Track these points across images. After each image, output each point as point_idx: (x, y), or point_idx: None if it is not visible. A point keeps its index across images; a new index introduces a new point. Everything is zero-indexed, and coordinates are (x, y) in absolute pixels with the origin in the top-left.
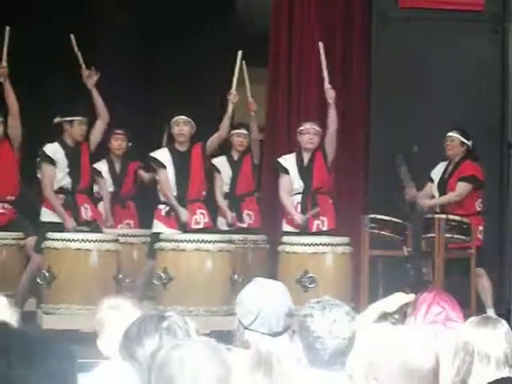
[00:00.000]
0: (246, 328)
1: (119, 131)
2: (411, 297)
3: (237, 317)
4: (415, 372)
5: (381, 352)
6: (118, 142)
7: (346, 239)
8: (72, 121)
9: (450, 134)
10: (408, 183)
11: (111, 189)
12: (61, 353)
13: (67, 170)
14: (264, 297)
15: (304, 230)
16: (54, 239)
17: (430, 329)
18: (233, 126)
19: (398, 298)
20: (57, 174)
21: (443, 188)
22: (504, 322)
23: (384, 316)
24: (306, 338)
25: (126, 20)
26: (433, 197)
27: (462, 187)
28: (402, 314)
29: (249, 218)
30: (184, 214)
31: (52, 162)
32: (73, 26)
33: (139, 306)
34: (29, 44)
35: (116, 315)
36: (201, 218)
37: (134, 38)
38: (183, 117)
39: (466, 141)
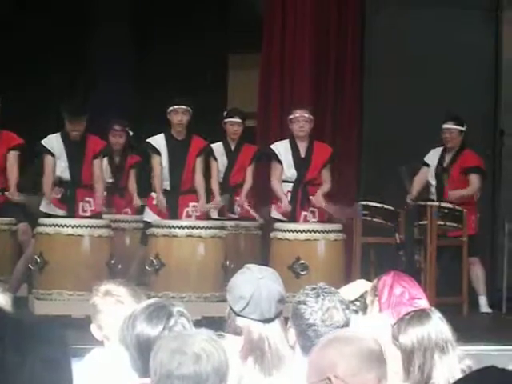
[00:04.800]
0: (237, 314)
1: (117, 128)
2: (370, 284)
3: (228, 303)
4: (373, 354)
5: (333, 349)
6: (116, 139)
7: (338, 226)
8: (69, 119)
9: (447, 126)
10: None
11: (110, 180)
12: (54, 339)
13: (67, 163)
14: (255, 283)
15: (291, 220)
16: (45, 225)
17: (397, 312)
18: (226, 114)
19: (359, 286)
20: (56, 166)
21: (442, 177)
22: (433, 308)
23: None
24: (299, 325)
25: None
26: (428, 183)
27: (476, 180)
28: (363, 301)
29: (240, 208)
30: (162, 204)
31: (48, 152)
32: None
33: (134, 292)
34: (28, 38)
35: (110, 301)
36: (193, 211)
37: (131, 20)
38: (182, 106)
39: (463, 129)
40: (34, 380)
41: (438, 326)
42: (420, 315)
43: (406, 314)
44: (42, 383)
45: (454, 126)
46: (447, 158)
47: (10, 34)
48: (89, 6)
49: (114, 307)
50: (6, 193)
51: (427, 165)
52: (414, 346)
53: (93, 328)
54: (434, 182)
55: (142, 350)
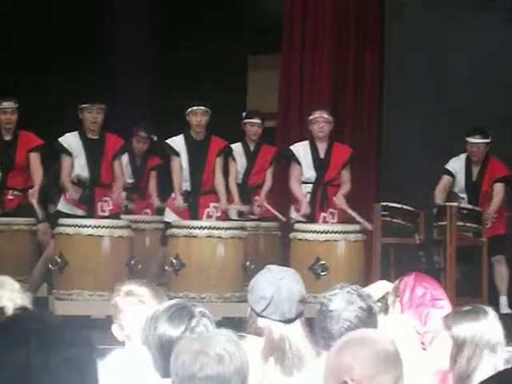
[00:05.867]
0: (258, 315)
1: (143, 135)
2: (392, 285)
3: (249, 304)
4: (389, 355)
5: (349, 352)
6: (140, 145)
7: (357, 227)
8: (87, 108)
9: (474, 140)
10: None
11: (131, 180)
12: (79, 340)
13: (85, 162)
14: (276, 284)
15: (311, 220)
16: (66, 225)
17: (419, 313)
18: (246, 115)
19: (380, 287)
20: (74, 165)
21: (476, 190)
22: (488, 307)
23: None
24: (322, 324)
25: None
26: (454, 193)
27: (502, 189)
28: (385, 302)
29: (260, 208)
30: (179, 203)
31: (67, 151)
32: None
33: (155, 292)
34: (46, 38)
35: (132, 301)
36: (213, 211)
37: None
38: (201, 107)
39: (489, 141)
40: (59, 381)
41: (493, 325)
42: (478, 311)
43: (463, 306)
44: None
45: (481, 140)
46: (475, 170)
47: (27, 33)
48: (109, 5)
49: (135, 307)
50: (30, 191)
51: (450, 173)
52: (465, 340)
53: (114, 328)
54: (463, 195)
55: (164, 351)
